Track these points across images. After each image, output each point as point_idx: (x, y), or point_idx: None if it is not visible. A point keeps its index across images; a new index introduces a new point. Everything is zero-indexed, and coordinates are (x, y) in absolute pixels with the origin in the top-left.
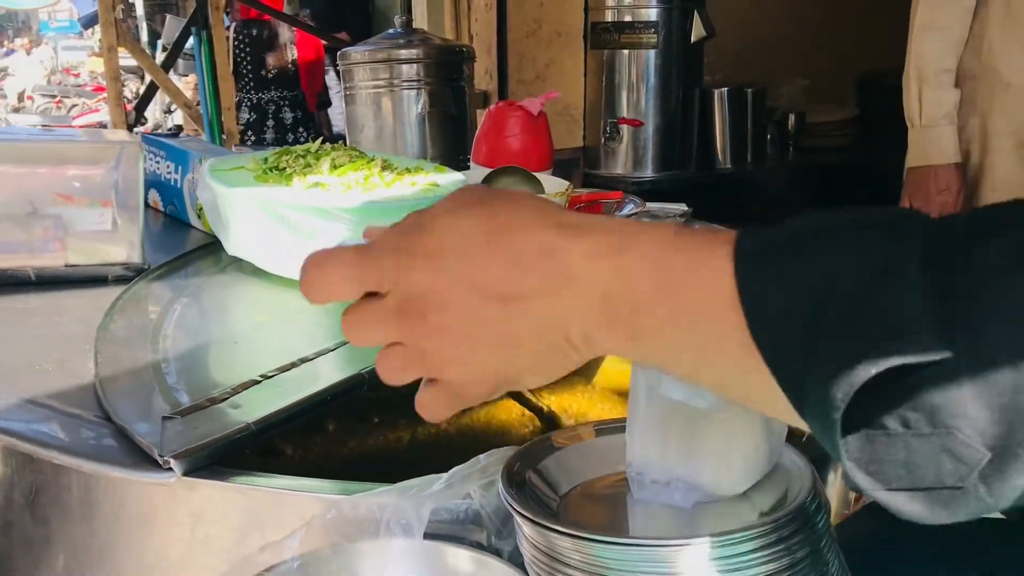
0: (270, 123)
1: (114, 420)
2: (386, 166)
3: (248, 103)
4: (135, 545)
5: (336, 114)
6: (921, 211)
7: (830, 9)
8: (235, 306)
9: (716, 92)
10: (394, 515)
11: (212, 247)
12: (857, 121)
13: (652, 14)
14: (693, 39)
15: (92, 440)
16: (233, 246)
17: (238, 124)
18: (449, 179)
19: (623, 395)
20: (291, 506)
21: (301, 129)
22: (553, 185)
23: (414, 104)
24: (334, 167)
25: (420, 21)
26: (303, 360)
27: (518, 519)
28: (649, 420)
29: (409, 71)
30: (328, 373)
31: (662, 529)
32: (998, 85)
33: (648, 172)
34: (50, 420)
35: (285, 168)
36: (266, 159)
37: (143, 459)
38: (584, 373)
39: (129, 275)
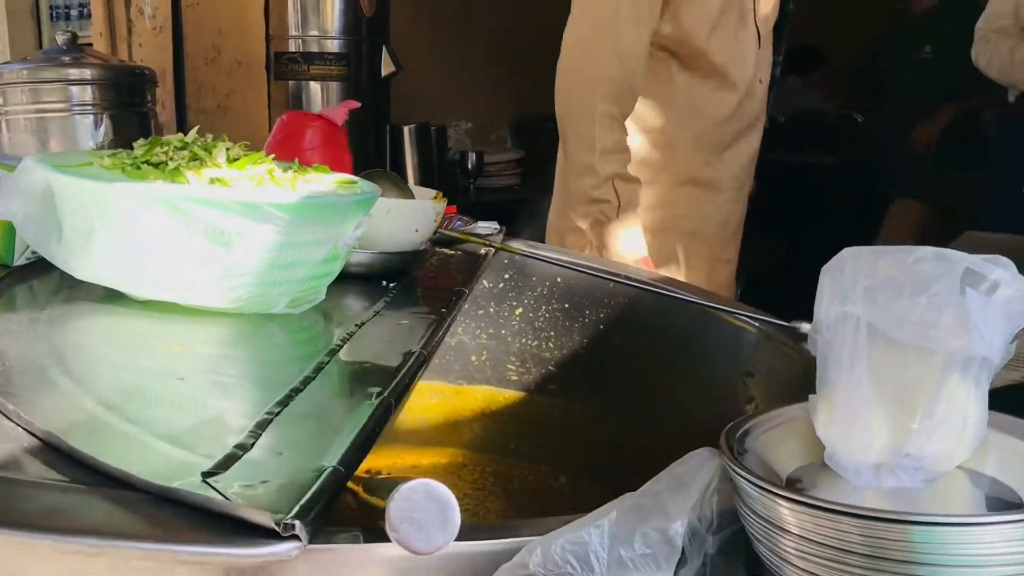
0: None
1: (143, 486)
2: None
3: None
4: None
5: None
6: None
7: (488, 54)
8: (130, 338)
9: (406, 128)
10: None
11: (15, 276)
12: (522, 162)
13: (338, 45)
14: (384, 73)
15: (122, 516)
16: (90, 267)
17: None
18: (360, 179)
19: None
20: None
21: None
22: (423, 193)
23: (92, 132)
24: (230, 160)
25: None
26: (295, 391)
27: (785, 508)
28: (878, 392)
29: (83, 94)
30: (342, 401)
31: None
32: (682, 180)
33: None
34: (34, 496)
35: (165, 162)
36: (115, 153)
37: (217, 530)
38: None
39: None
